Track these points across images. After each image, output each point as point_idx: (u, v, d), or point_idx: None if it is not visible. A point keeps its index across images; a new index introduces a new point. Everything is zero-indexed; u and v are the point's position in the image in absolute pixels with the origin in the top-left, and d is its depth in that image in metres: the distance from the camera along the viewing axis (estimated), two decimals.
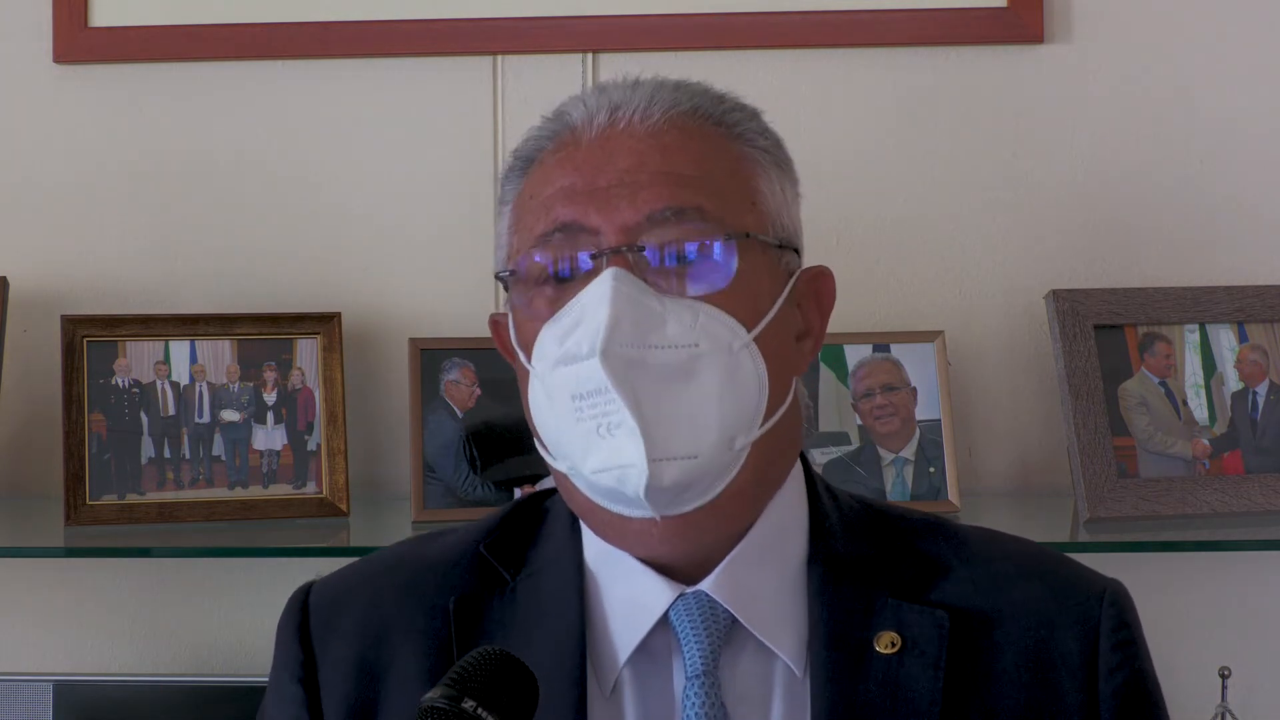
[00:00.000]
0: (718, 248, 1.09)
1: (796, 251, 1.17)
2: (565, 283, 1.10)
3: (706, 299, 1.08)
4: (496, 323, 1.20)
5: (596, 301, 1.06)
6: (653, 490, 1.05)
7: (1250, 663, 1.92)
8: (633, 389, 1.05)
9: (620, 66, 1.91)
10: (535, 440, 1.14)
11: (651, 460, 1.04)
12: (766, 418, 1.10)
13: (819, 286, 1.19)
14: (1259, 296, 1.94)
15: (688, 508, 1.08)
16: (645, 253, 1.08)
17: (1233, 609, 1.98)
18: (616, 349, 1.04)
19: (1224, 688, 1.81)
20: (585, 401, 1.06)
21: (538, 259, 1.11)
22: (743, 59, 2.03)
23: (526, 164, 1.16)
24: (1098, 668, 1.15)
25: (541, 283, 1.11)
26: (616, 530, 1.11)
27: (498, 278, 1.16)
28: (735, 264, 1.09)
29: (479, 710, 0.96)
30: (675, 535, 1.09)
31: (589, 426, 1.07)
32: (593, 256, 1.08)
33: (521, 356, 1.13)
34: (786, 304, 1.13)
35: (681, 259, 1.09)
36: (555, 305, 1.10)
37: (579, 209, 1.09)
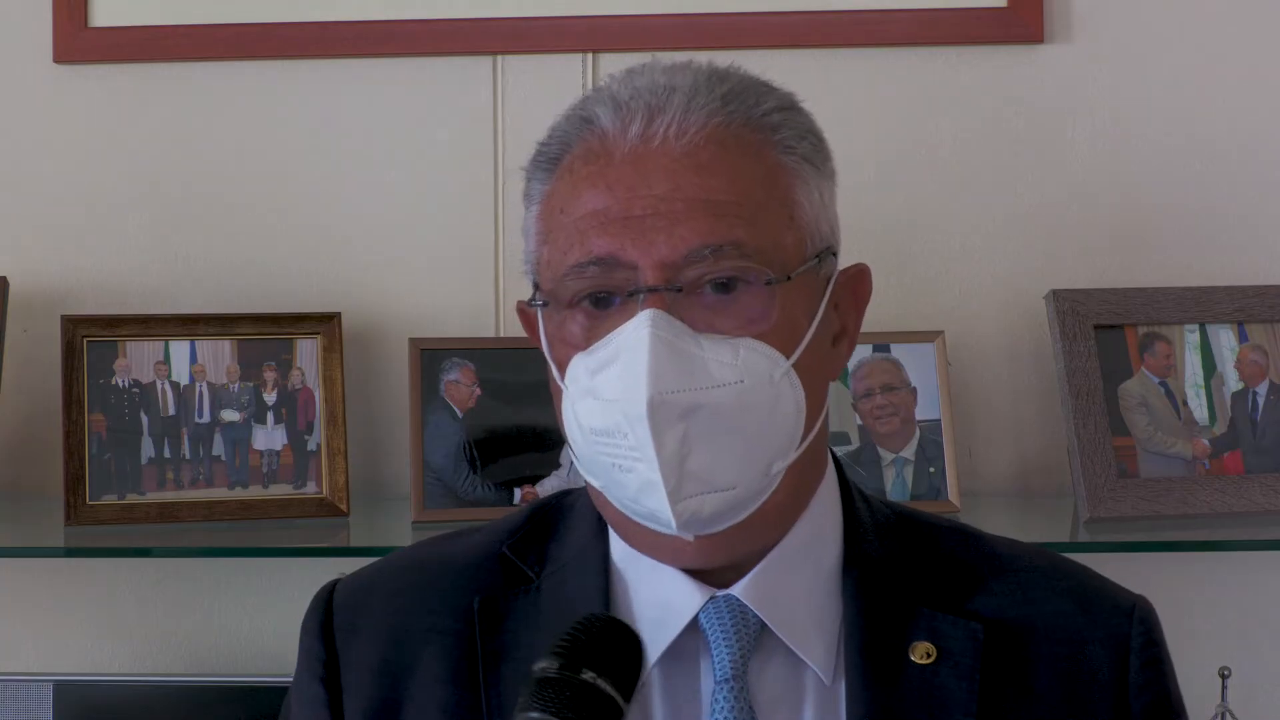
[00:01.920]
0: (759, 289, 1.07)
1: (834, 253, 1.15)
2: (598, 309, 1.08)
3: (747, 333, 1.06)
4: (525, 313, 1.18)
5: (633, 346, 1.04)
6: (690, 523, 1.06)
7: (1250, 663, 1.92)
8: (675, 437, 1.04)
9: (620, 67, 1.92)
10: (570, 451, 1.14)
11: (676, 503, 1.04)
12: (803, 440, 1.09)
13: (856, 285, 1.18)
14: (1259, 296, 1.94)
15: (721, 528, 1.08)
16: (683, 293, 1.06)
17: (1233, 609, 1.98)
18: (660, 399, 1.03)
19: (1224, 688, 1.80)
20: (601, 439, 1.06)
21: (572, 287, 1.08)
22: (743, 59, 1.98)
23: (553, 164, 1.13)
24: (1128, 685, 1.15)
25: (575, 307, 1.09)
26: (649, 544, 1.11)
27: (529, 304, 1.13)
28: (777, 300, 1.07)
29: (599, 681, 0.94)
30: (709, 552, 1.09)
31: (606, 462, 1.07)
32: (629, 294, 1.06)
33: (555, 371, 1.12)
34: (824, 311, 1.12)
35: (721, 291, 1.07)
36: (589, 334, 1.09)
37: (615, 241, 1.06)
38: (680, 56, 2.04)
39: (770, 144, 1.11)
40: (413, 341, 1.93)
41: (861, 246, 1.99)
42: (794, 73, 2.00)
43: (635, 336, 1.04)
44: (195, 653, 2.03)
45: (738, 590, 1.12)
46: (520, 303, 1.18)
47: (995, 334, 2.01)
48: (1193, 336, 1.92)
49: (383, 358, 2.02)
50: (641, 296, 1.05)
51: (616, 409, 1.04)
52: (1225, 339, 1.93)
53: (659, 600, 1.13)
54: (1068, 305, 1.90)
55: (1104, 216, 2.01)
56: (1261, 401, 1.91)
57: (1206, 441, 1.89)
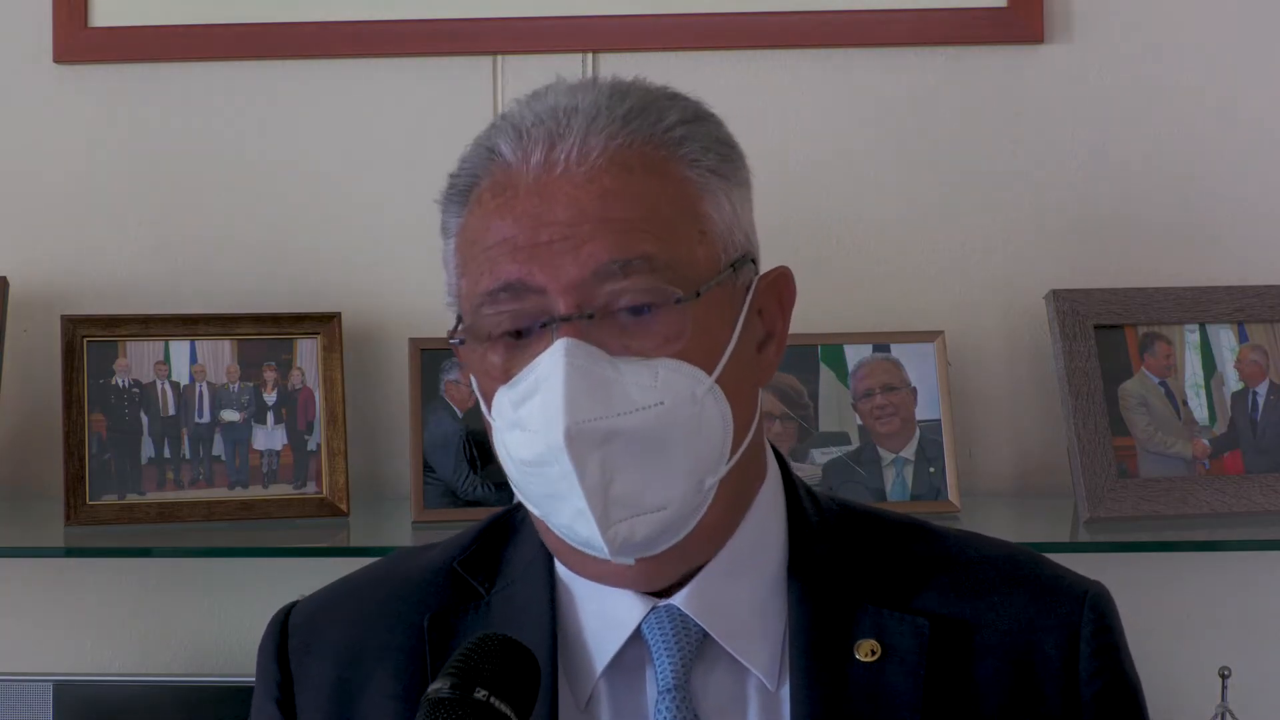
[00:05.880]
0: (671, 308, 1.06)
1: (753, 260, 1.14)
2: (517, 340, 1.08)
3: (665, 353, 1.06)
4: (457, 347, 1.17)
5: (550, 376, 1.04)
6: (625, 548, 1.05)
7: (1250, 663, 1.92)
8: (596, 464, 1.03)
9: (620, 66, 1.91)
10: (509, 479, 1.13)
11: (605, 530, 1.04)
12: (733, 452, 1.09)
13: (779, 288, 1.17)
14: (1259, 296, 1.94)
15: (659, 549, 1.08)
16: (595, 319, 1.05)
17: (1233, 609, 1.98)
18: (576, 429, 1.03)
19: (1224, 688, 1.80)
20: (531, 468, 1.07)
21: (488, 318, 1.08)
22: (743, 59, 2.03)
23: (464, 196, 1.12)
24: (1078, 673, 1.14)
25: (494, 341, 1.09)
26: (592, 571, 1.11)
27: (448, 337, 1.13)
28: (690, 317, 1.07)
29: (492, 699, 0.94)
30: (649, 574, 1.10)
31: (540, 492, 1.07)
32: (542, 325, 1.06)
33: (484, 406, 1.13)
34: (745, 321, 1.11)
35: (634, 313, 1.06)
36: (509, 365, 1.08)
37: (523, 267, 1.06)
38: (680, 57, 2.06)
39: (675, 159, 1.10)
40: (413, 341, 1.93)
41: (862, 246, 2.02)
42: (794, 73, 2.03)
43: (551, 367, 1.04)
44: (195, 653, 2.02)
45: (678, 600, 1.12)
46: (453, 343, 1.17)
47: (995, 334, 2.01)
48: (1193, 336, 1.93)
49: (383, 358, 2.02)
50: (555, 326, 1.05)
51: (541, 440, 1.04)
52: (1225, 339, 1.93)
53: (602, 613, 1.14)
54: (1068, 305, 1.90)
55: (1104, 216, 2.01)
56: (1261, 401, 1.91)
57: (1206, 441, 1.89)
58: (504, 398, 1.08)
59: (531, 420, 1.05)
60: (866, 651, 1.12)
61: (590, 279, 1.05)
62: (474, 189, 1.11)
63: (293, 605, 1.25)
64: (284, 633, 1.22)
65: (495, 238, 1.08)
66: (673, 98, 1.13)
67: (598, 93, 1.10)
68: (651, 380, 1.05)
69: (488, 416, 1.12)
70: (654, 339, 1.06)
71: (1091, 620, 1.16)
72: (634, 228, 1.06)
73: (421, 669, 1.15)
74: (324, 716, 1.17)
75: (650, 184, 1.08)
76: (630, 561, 1.07)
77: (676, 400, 1.05)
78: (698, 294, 1.07)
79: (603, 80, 1.12)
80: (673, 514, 1.06)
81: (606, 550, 1.05)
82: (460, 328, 1.12)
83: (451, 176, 1.14)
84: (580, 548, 1.09)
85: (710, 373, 1.07)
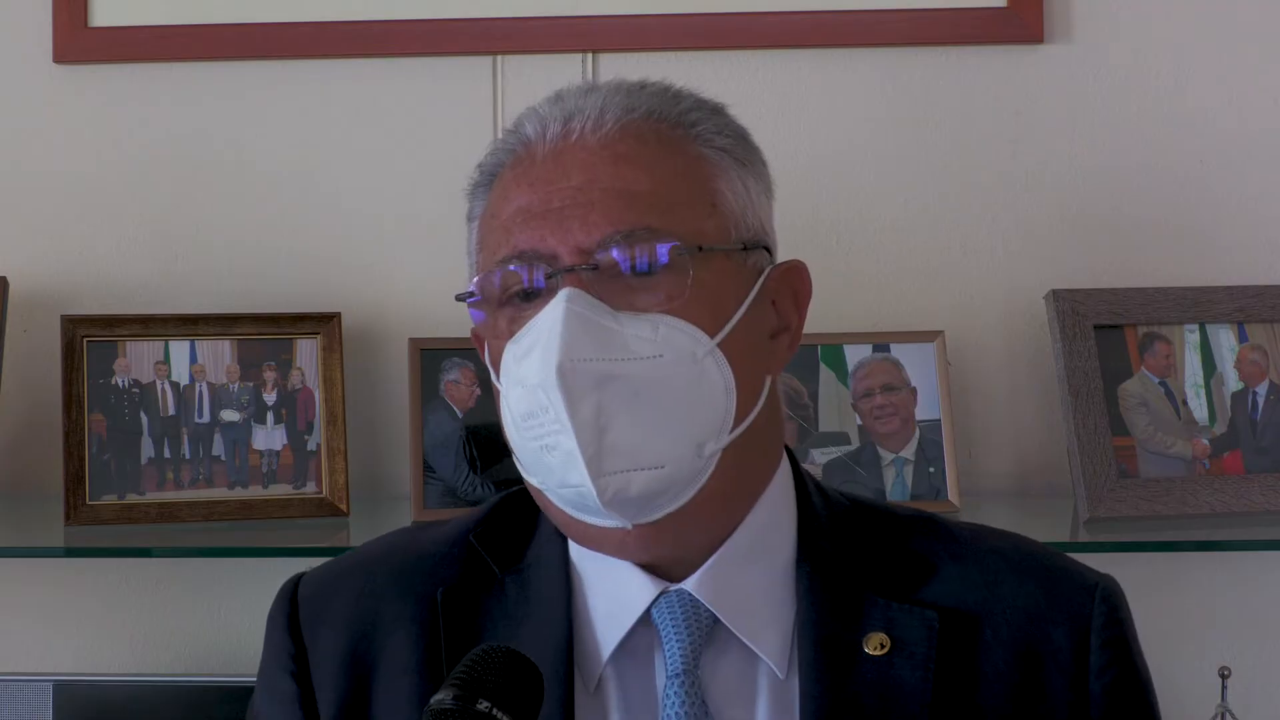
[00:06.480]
0: (673, 262, 1.08)
1: (767, 249, 1.16)
2: (526, 302, 1.11)
3: (666, 310, 1.08)
4: (479, 337, 1.20)
5: (550, 323, 1.06)
6: (617, 502, 1.06)
7: (1250, 663, 1.92)
8: (590, 407, 1.05)
9: (620, 66, 1.92)
10: (513, 457, 1.14)
11: (597, 477, 1.05)
12: (737, 422, 1.09)
13: (794, 281, 1.18)
14: (1259, 296, 1.94)
15: (658, 515, 1.08)
16: (599, 270, 1.08)
17: (1233, 609, 1.98)
18: (570, 366, 1.04)
19: (1224, 688, 1.80)
20: (528, 422, 1.08)
21: (496, 281, 1.11)
22: (743, 59, 2.03)
23: (489, 180, 1.16)
24: (1088, 665, 1.14)
25: (503, 304, 1.12)
26: (594, 539, 1.12)
27: (458, 299, 1.16)
28: (691, 274, 1.08)
29: (494, 711, 0.95)
30: (650, 542, 1.10)
31: (535, 446, 1.08)
32: (548, 276, 1.09)
33: (493, 375, 1.15)
34: (756, 304, 1.13)
35: (636, 272, 1.08)
36: (516, 325, 1.11)
37: (536, 234, 1.09)
38: (680, 57, 2.06)
39: (689, 138, 1.13)
40: (413, 341, 1.94)
41: (862, 246, 2.02)
42: (794, 73, 2.03)
43: (551, 314, 1.07)
44: (195, 653, 2.03)
45: (689, 585, 1.13)
46: (474, 328, 1.19)
47: (995, 334, 2.01)
48: (1193, 336, 1.93)
49: (383, 358, 2.02)
50: (560, 277, 1.08)
51: (536, 385, 1.06)
52: (1225, 339, 1.93)
53: (612, 596, 1.14)
54: (1068, 305, 1.90)
55: (1104, 216, 2.01)
56: (1261, 401, 1.91)
57: (1206, 441, 1.89)
58: (510, 354, 1.10)
59: (529, 373, 1.07)
60: (875, 645, 1.13)
61: (596, 245, 1.08)
62: (498, 171, 1.15)
63: (300, 576, 1.25)
64: (294, 603, 1.22)
65: (512, 207, 1.11)
66: (691, 93, 1.17)
67: (618, 85, 1.14)
68: (652, 334, 1.07)
69: (497, 384, 1.14)
70: (655, 296, 1.08)
71: (1102, 613, 1.16)
72: (641, 200, 1.09)
73: (435, 643, 1.15)
74: (340, 690, 1.17)
75: (664, 157, 1.11)
76: (628, 525, 1.08)
77: (676, 356, 1.07)
78: (700, 248, 1.09)
79: (624, 79, 1.16)
80: (670, 474, 1.07)
81: (595, 495, 1.05)
82: (473, 286, 1.14)
83: (479, 166, 1.18)
84: (574, 511, 1.10)
85: (712, 336, 1.08)
